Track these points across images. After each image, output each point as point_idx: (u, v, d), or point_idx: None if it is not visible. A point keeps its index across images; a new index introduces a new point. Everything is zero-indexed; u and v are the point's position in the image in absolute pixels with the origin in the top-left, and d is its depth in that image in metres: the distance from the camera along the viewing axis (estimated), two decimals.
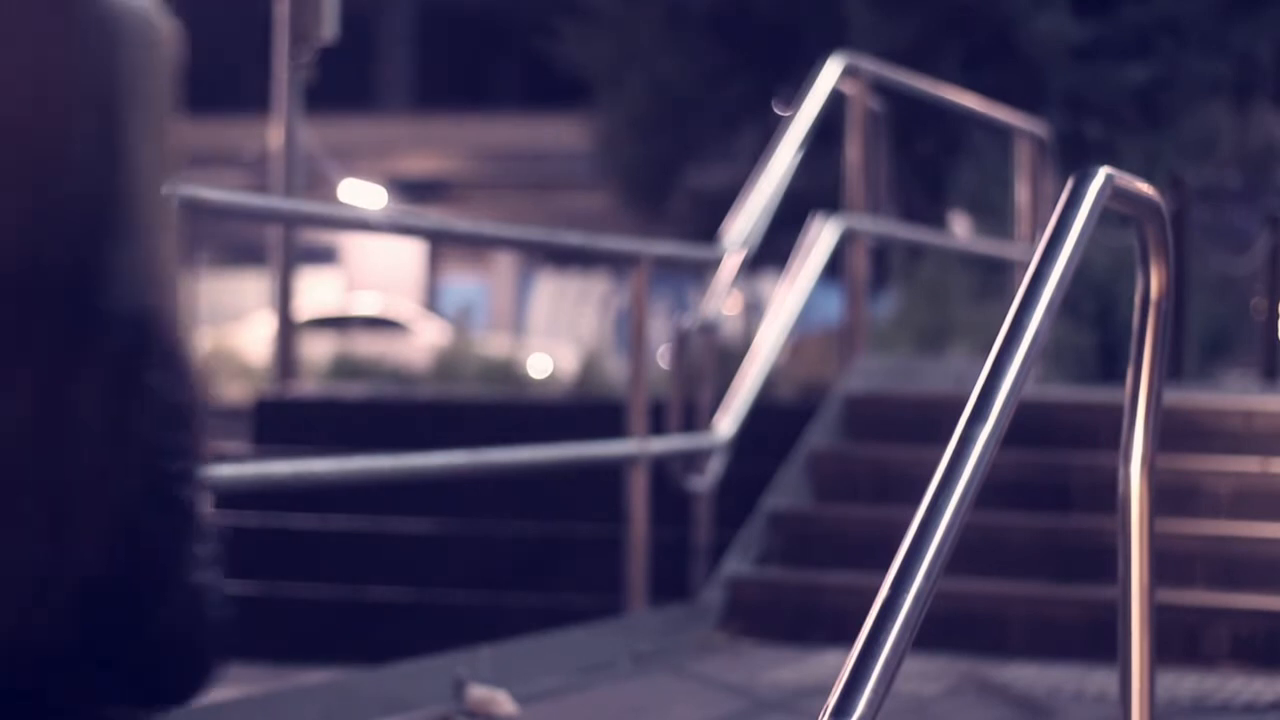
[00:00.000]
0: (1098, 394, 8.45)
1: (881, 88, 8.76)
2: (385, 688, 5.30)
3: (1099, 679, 5.80)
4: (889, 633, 2.06)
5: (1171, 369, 7.99)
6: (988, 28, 19.88)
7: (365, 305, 29.42)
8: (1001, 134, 11.85)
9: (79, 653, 1.36)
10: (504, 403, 10.42)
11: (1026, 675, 5.84)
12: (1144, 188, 3.11)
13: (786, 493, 7.26)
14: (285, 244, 11.82)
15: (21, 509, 1.32)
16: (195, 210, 4.68)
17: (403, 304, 31.15)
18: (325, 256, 33.42)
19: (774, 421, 7.54)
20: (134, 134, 1.38)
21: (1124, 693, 3.07)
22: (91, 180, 1.35)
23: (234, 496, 8.44)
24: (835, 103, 8.17)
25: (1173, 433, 6.29)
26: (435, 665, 5.47)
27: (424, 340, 26.31)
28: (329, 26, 11.39)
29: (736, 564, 6.95)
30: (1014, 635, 6.33)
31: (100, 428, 1.35)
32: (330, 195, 28.88)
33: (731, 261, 7.44)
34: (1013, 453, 6.30)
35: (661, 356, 13.70)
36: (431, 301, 34.60)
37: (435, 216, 23.69)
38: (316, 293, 28.67)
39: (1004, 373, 2.44)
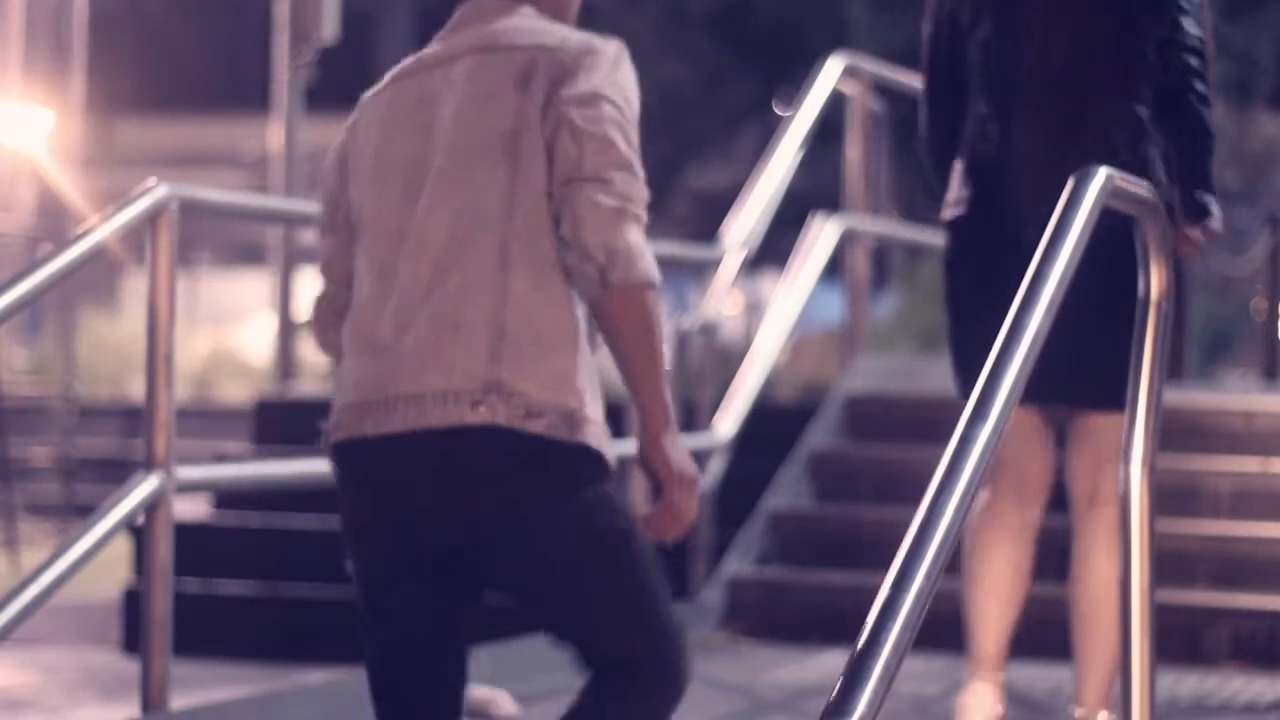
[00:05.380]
0: None
1: (881, 88, 8.76)
2: None
3: None
4: (889, 632, 2.06)
5: (1171, 369, 7.97)
6: None
7: None
8: None
9: None
10: None
11: (1027, 675, 5.84)
12: (1144, 188, 3.11)
13: (786, 493, 7.26)
14: (286, 244, 11.82)
15: None
16: (195, 210, 4.68)
17: None
18: None
19: (774, 421, 7.53)
20: None
21: (1125, 693, 3.07)
22: None
23: (234, 496, 8.44)
24: (835, 103, 8.17)
25: (1173, 433, 6.29)
26: None
27: None
28: (329, 26, 11.39)
29: (736, 564, 6.95)
30: (1014, 635, 6.32)
31: None
32: None
33: (731, 261, 7.43)
34: None
35: None
36: None
37: None
38: (317, 293, 28.62)
39: (1004, 373, 2.44)
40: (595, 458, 3.07)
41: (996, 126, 4.39)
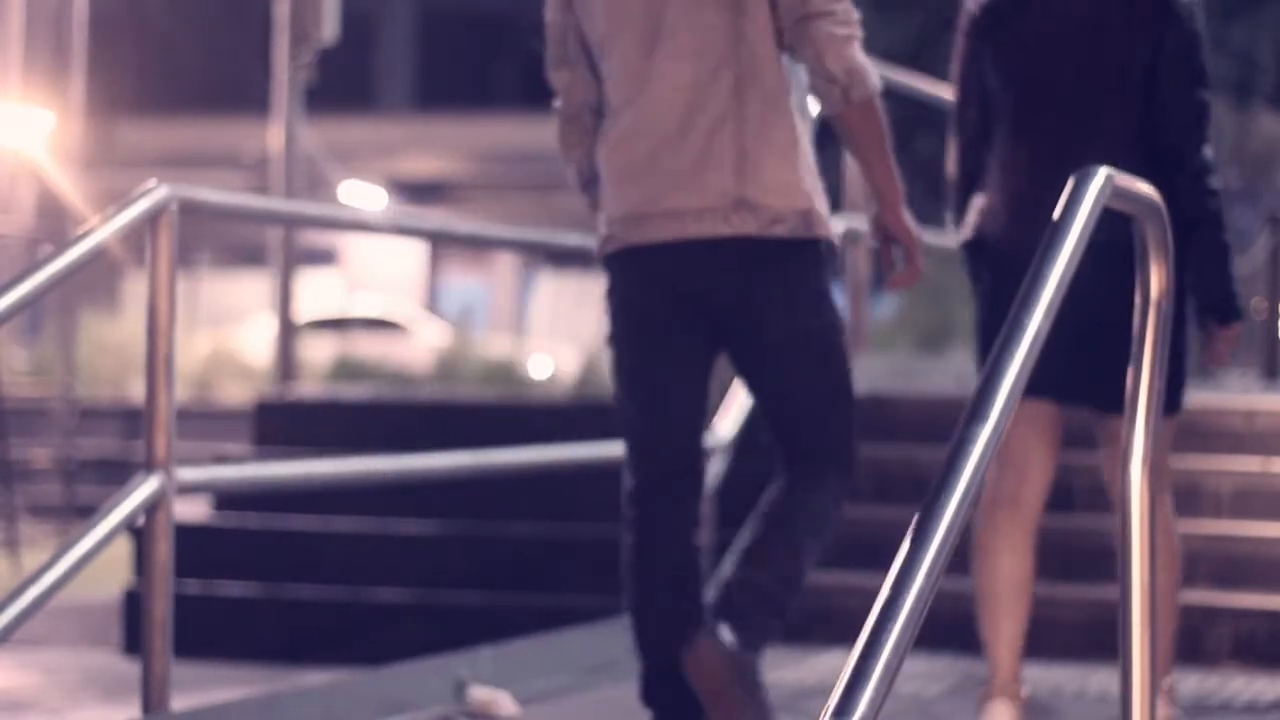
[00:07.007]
0: None
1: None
2: (385, 688, 5.30)
3: (1100, 679, 5.80)
4: (890, 633, 2.06)
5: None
6: None
7: (366, 306, 29.41)
8: None
9: None
10: (505, 404, 10.42)
11: (1028, 675, 5.84)
12: (1144, 188, 3.11)
13: None
14: (286, 245, 11.82)
15: None
16: (195, 211, 4.68)
17: (403, 305, 31.15)
18: (325, 258, 33.42)
19: None
20: None
21: (1125, 693, 3.07)
22: None
23: (235, 497, 8.44)
24: None
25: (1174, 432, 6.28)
26: (436, 666, 5.47)
27: (425, 341, 26.30)
28: (329, 27, 11.40)
29: None
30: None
31: None
32: (331, 196, 28.86)
33: None
34: None
35: None
36: (432, 302, 34.60)
37: (435, 217, 23.69)
38: (317, 294, 28.67)
39: (1004, 373, 2.44)
40: (829, 247, 3.85)
41: (1016, 167, 4.51)
